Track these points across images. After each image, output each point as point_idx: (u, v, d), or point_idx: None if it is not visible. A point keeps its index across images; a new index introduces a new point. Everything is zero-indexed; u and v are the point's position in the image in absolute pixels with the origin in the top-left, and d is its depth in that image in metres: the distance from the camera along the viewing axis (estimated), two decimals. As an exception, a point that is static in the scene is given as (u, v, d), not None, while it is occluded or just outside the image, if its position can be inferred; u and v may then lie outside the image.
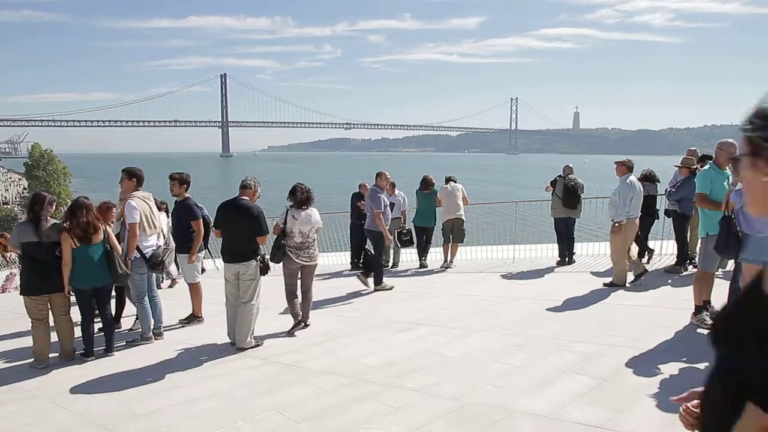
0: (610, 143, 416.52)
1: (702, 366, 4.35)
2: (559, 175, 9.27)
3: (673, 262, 7.91)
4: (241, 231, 5.52)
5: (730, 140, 5.32)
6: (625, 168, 7.40)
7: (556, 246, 9.61)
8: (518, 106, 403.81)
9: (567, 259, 9.24)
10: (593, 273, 8.27)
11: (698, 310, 5.29)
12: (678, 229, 7.77)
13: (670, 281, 7.33)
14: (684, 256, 7.72)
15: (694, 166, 7.51)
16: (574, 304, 6.55)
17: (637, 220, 7.36)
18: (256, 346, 5.52)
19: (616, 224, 7.11)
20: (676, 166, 8.03)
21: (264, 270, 5.61)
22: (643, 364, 4.44)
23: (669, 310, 5.68)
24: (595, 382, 4.16)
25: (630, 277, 7.25)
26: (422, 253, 10.10)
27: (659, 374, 4.22)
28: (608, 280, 7.39)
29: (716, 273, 7.32)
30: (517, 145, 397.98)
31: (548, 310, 6.34)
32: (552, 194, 9.29)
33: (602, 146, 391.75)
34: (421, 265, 9.97)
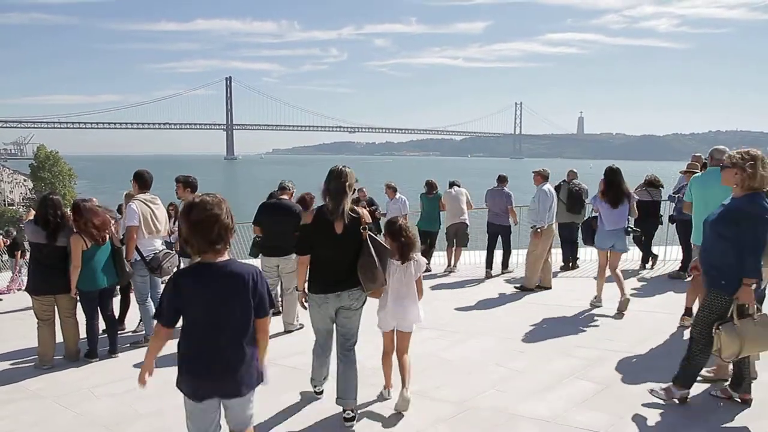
0: (615, 148, 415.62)
1: (704, 371, 4.34)
2: (564, 180, 9.26)
3: (677, 268, 7.89)
4: (284, 228, 5.96)
5: (721, 147, 5.32)
6: (541, 177, 7.91)
7: (559, 251, 9.60)
8: (523, 111, 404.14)
9: (570, 263, 9.23)
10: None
11: (687, 312, 5.44)
12: (682, 235, 7.76)
13: (673, 287, 7.31)
14: (688, 262, 7.69)
15: (699, 172, 7.49)
16: (577, 308, 6.54)
17: (554, 226, 7.89)
18: (301, 327, 6.19)
19: (538, 230, 7.59)
20: (682, 172, 8.02)
21: None
22: (646, 370, 4.44)
23: (672, 315, 5.67)
24: (598, 386, 4.16)
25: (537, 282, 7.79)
26: (426, 256, 10.09)
27: (662, 379, 4.21)
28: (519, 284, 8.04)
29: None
30: (521, 150, 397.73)
31: (551, 314, 6.34)
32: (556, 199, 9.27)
33: (607, 151, 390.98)
34: (425, 269, 9.96)
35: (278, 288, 6.46)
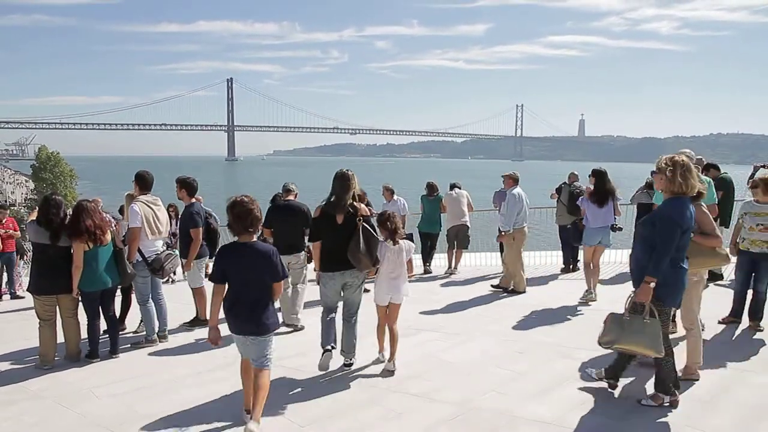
0: (616, 151, 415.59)
1: (706, 372, 4.34)
2: (564, 183, 9.27)
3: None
4: (292, 227, 6.33)
5: (687, 151, 5.49)
6: (512, 180, 7.98)
7: (560, 253, 9.61)
8: (524, 113, 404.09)
9: (571, 266, 9.24)
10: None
11: None
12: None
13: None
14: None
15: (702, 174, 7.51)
16: (577, 311, 6.55)
17: (526, 229, 7.94)
18: (302, 328, 6.34)
19: (504, 233, 7.75)
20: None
21: (309, 259, 6.39)
22: (645, 372, 4.44)
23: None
24: (599, 389, 4.16)
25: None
26: (426, 258, 10.10)
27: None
28: (495, 282, 8.23)
29: (722, 282, 7.34)
30: (522, 152, 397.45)
31: (552, 316, 6.34)
32: (557, 201, 9.29)
33: (608, 154, 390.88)
34: (426, 271, 9.96)
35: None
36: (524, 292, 7.77)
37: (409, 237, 9.68)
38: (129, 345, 5.92)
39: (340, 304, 4.93)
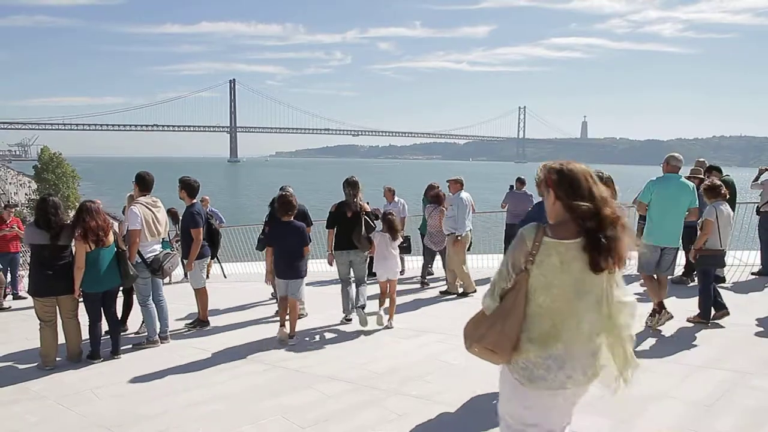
0: (618, 153, 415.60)
1: (707, 375, 4.33)
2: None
3: (680, 273, 7.86)
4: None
5: (677, 155, 5.86)
6: (459, 185, 8.21)
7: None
8: (526, 115, 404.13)
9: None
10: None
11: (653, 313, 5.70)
12: (686, 240, 7.74)
13: (677, 292, 7.29)
14: (691, 266, 7.67)
15: (702, 177, 7.49)
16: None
17: (469, 233, 8.25)
18: (305, 315, 7.05)
19: (459, 237, 7.89)
20: (686, 177, 8.00)
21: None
22: (648, 374, 4.42)
23: (675, 320, 5.66)
24: (600, 391, 4.14)
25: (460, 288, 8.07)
26: (425, 272, 10.05)
27: (664, 384, 4.21)
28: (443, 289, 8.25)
29: (725, 285, 7.33)
30: (525, 154, 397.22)
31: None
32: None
33: (610, 156, 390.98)
34: (422, 284, 9.93)
35: None
36: (475, 291, 7.84)
37: (407, 240, 9.65)
38: (130, 346, 5.93)
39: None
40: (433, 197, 8.85)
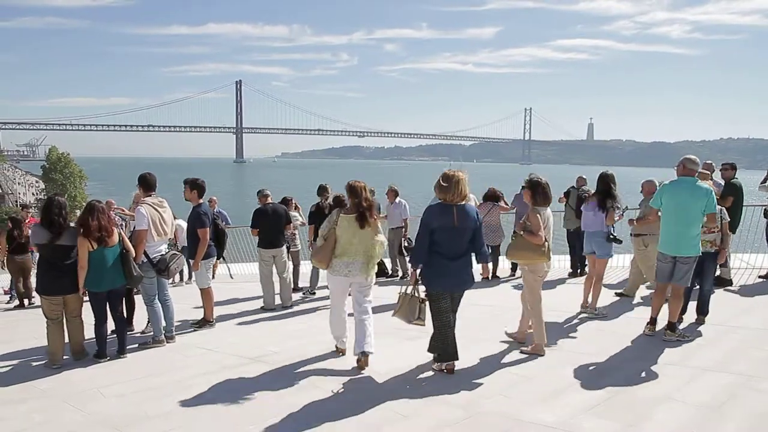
0: (625, 155, 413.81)
1: (714, 378, 4.31)
2: (573, 187, 9.24)
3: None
4: (277, 226, 8.25)
5: (693, 157, 5.46)
6: (393, 193, 9.85)
7: (568, 257, 9.57)
8: (532, 117, 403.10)
9: (579, 270, 9.18)
10: (605, 285, 8.20)
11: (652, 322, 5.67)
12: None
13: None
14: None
15: (710, 180, 7.45)
16: (584, 315, 6.51)
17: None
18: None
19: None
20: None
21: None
22: (654, 378, 4.42)
23: (680, 324, 5.64)
24: (607, 394, 4.14)
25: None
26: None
27: (671, 388, 4.19)
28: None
29: (732, 288, 7.28)
30: (530, 156, 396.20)
31: (558, 321, 6.31)
32: (565, 205, 9.26)
33: (616, 158, 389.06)
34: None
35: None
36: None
37: (408, 241, 9.62)
38: (137, 345, 5.96)
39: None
40: (490, 196, 9.74)
